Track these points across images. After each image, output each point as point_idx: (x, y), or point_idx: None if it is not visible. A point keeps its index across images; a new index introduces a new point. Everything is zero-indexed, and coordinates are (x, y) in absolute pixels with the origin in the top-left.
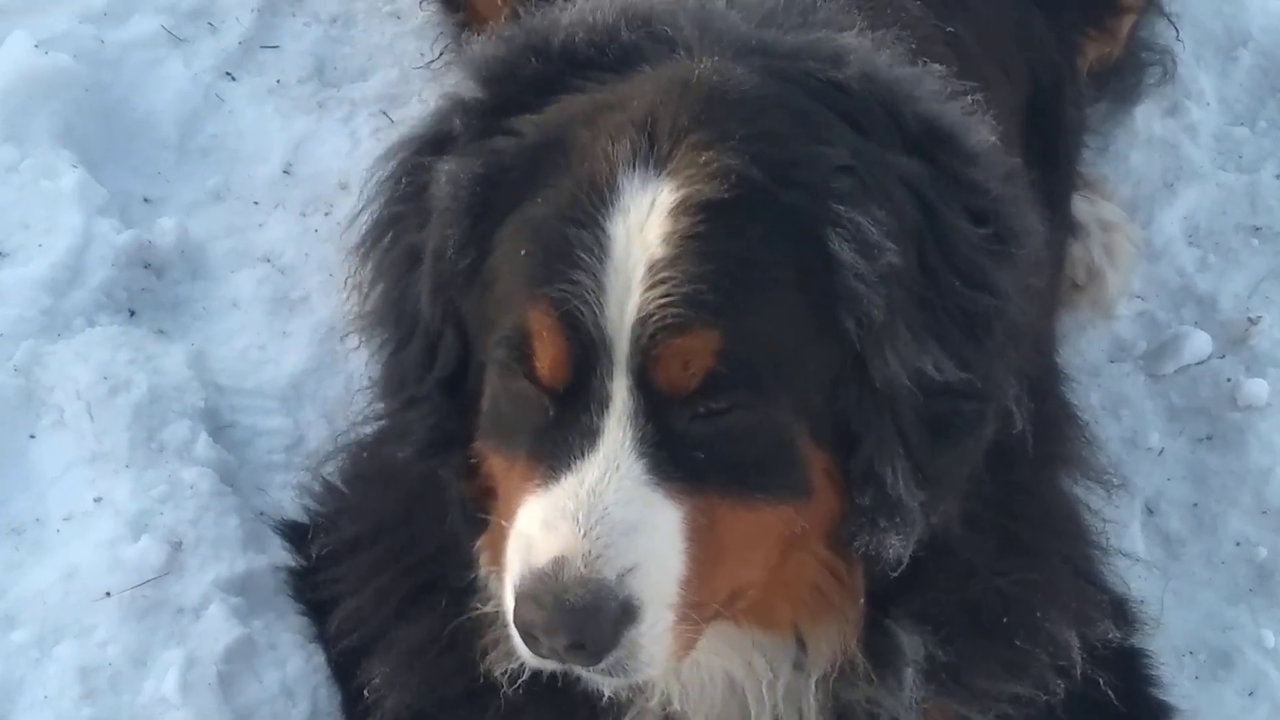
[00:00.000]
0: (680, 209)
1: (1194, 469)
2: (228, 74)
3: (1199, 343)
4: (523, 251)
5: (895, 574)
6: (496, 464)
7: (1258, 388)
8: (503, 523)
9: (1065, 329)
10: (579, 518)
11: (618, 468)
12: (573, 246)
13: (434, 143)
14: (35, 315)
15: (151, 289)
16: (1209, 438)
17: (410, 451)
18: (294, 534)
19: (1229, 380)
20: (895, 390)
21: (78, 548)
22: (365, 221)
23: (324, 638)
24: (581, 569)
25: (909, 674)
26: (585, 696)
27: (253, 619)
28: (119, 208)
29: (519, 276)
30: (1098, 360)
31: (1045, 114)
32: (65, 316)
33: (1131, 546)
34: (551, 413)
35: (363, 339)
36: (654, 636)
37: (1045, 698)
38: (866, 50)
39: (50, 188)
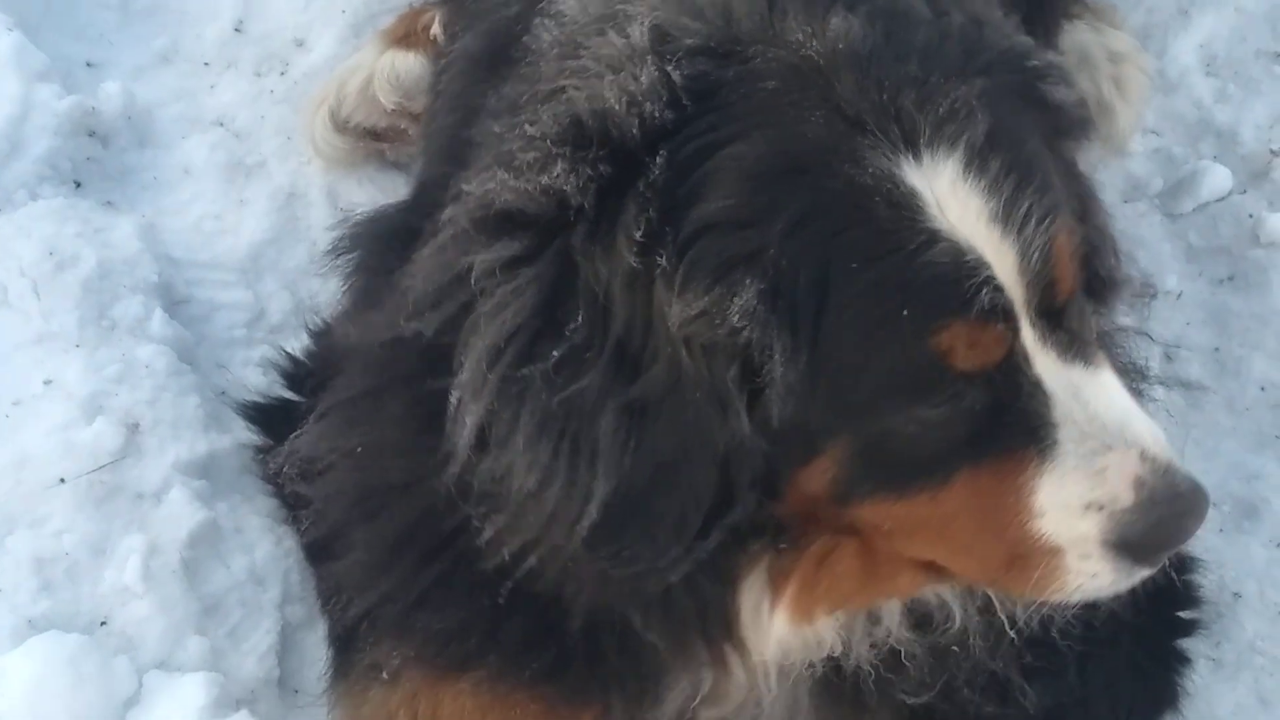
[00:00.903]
0: (974, 161)
1: (1215, 312)
2: None
3: (1218, 178)
4: (901, 309)
5: None
6: (897, 509)
7: None
8: (856, 564)
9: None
10: (1118, 438)
11: (1080, 388)
12: (940, 266)
13: (550, 305)
14: None
15: (97, 158)
16: (1230, 278)
17: (679, 573)
18: (259, 413)
19: (1251, 217)
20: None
21: (28, 433)
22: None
23: (293, 517)
24: (1165, 456)
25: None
26: None
27: (217, 502)
28: (60, 73)
29: (900, 329)
30: (1111, 200)
31: None
32: (5, 190)
33: (1149, 395)
34: (983, 414)
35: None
36: None
37: None
38: None
39: None
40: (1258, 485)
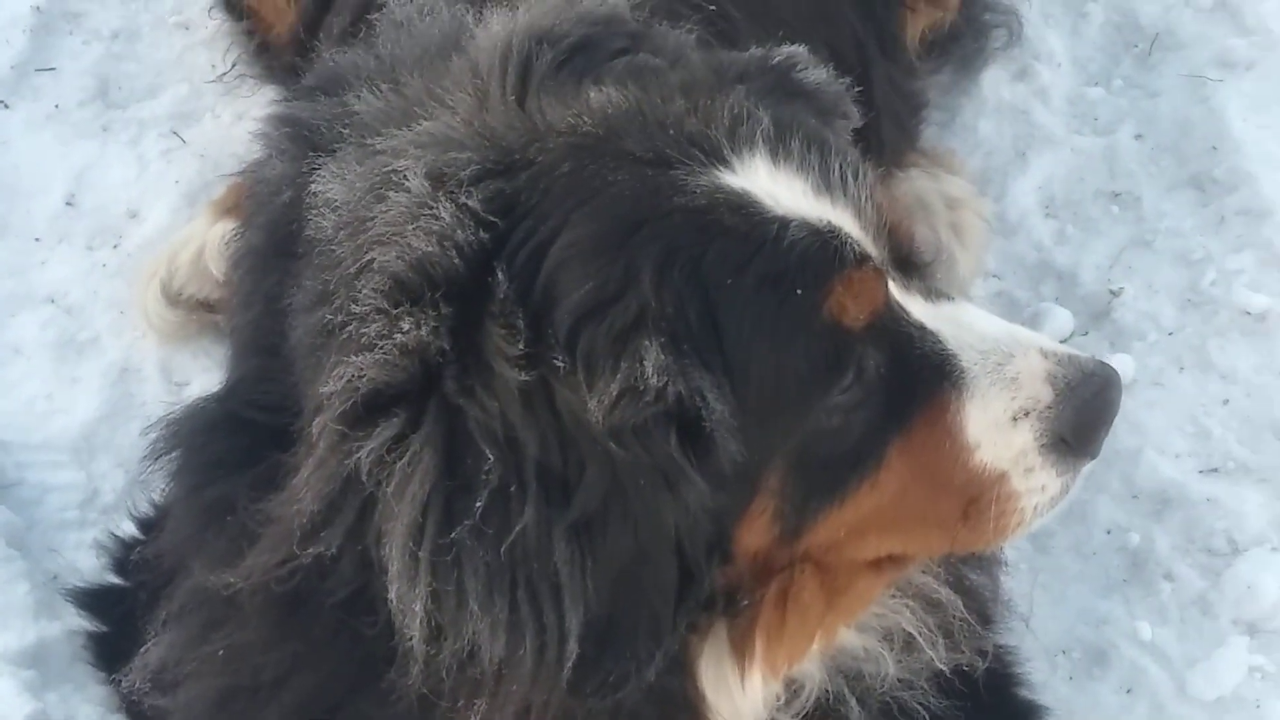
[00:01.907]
0: (773, 153)
1: None
2: (0, 102)
3: (1060, 320)
4: (798, 292)
5: None
6: (850, 509)
7: (1123, 364)
8: (817, 592)
9: None
10: (1011, 347)
11: (955, 317)
12: (798, 244)
13: (450, 462)
14: None
15: None
16: None
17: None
18: (90, 599)
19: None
20: None
21: None
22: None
23: (128, 703)
24: (1057, 345)
25: None
26: None
27: (47, 692)
28: None
29: (789, 316)
30: None
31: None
32: None
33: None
34: (885, 376)
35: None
36: None
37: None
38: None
39: None
40: (1106, 630)
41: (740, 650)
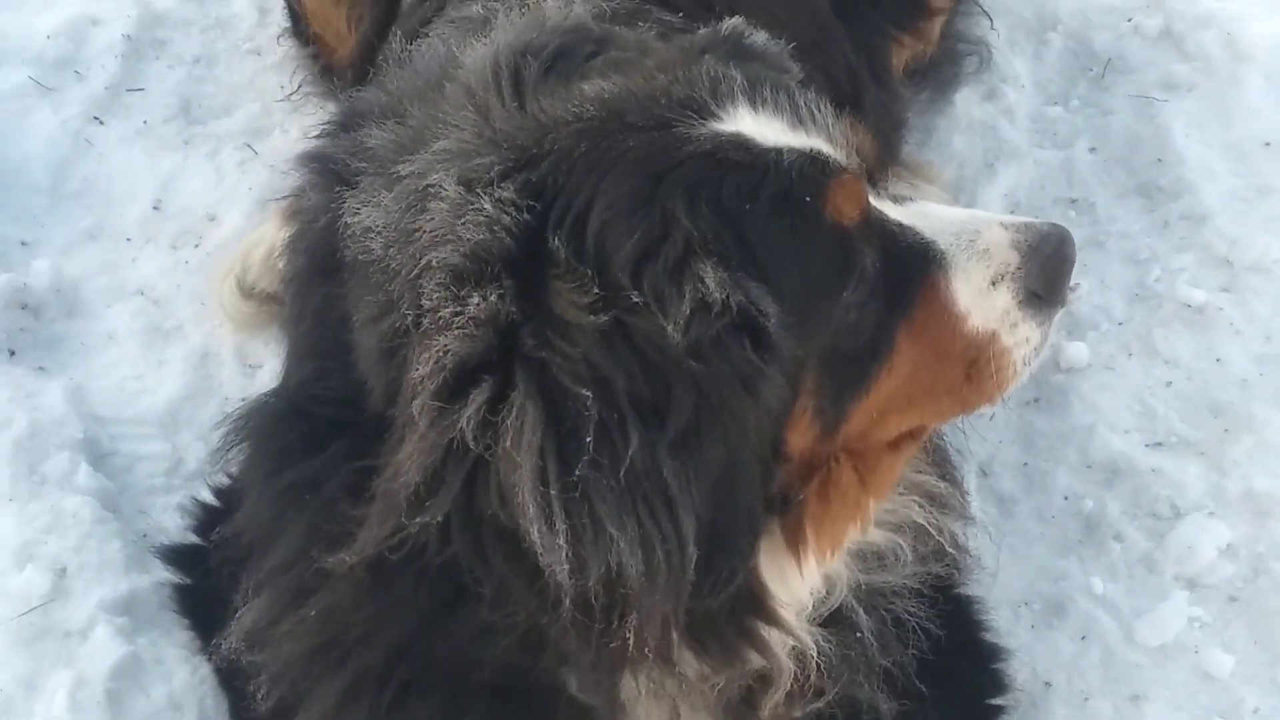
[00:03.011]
0: (750, 102)
1: (1023, 431)
2: (96, 118)
3: None
4: (806, 199)
5: None
6: (875, 397)
7: (1078, 350)
8: (853, 478)
9: None
10: (973, 227)
11: (924, 212)
12: (794, 165)
13: (558, 415)
14: None
15: (29, 328)
16: (1035, 400)
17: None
18: (176, 555)
19: (1051, 346)
20: None
21: None
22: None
23: (209, 648)
24: (1009, 217)
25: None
26: None
27: (138, 637)
28: None
29: (805, 219)
30: None
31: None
32: None
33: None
34: (881, 270)
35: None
36: None
37: None
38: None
39: None
40: (1064, 585)
41: (794, 542)
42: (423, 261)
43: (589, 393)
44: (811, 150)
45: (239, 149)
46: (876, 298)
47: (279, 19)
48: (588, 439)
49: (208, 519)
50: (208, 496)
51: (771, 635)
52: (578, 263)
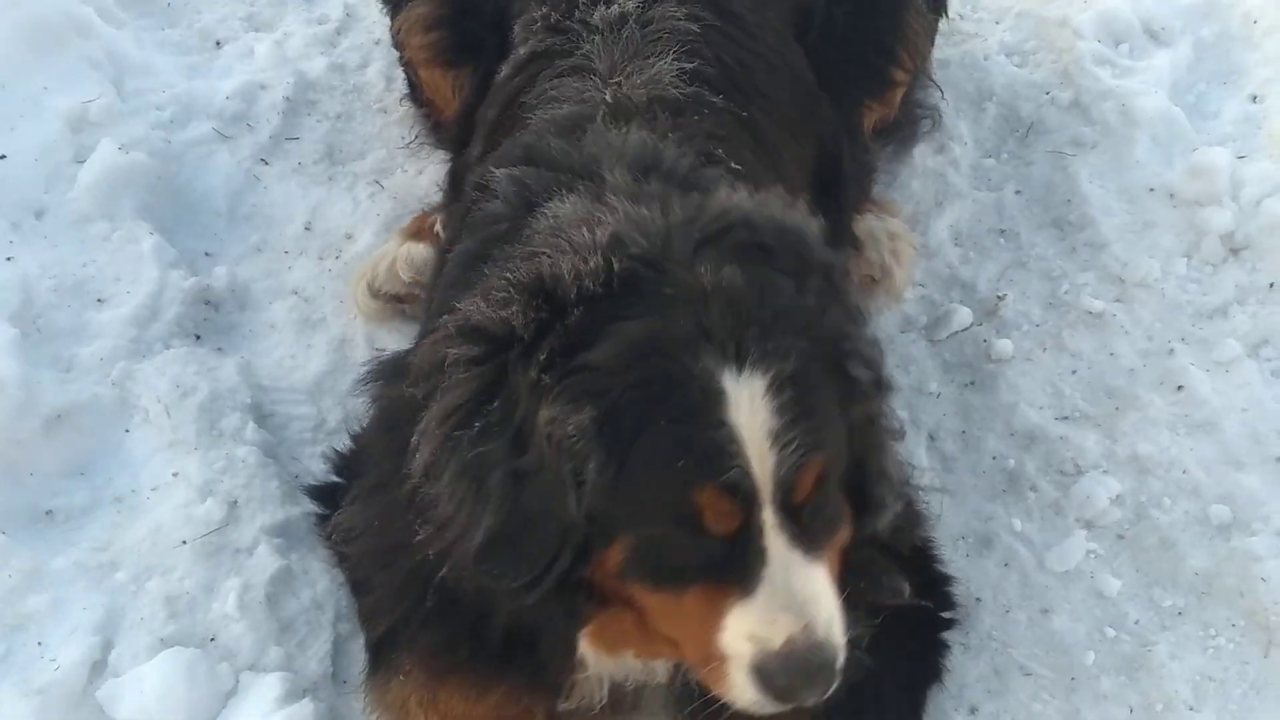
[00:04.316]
0: (769, 389)
1: (962, 406)
2: (262, 160)
3: (963, 315)
4: (679, 462)
5: None
6: (651, 598)
7: (1005, 346)
8: (632, 627)
9: (868, 311)
10: (794, 608)
11: (789, 565)
12: (717, 444)
13: (484, 393)
14: (126, 343)
15: (211, 319)
16: (972, 383)
17: (532, 599)
18: (319, 492)
19: (984, 341)
20: (883, 466)
21: (161, 509)
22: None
23: (342, 564)
24: (819, 636)
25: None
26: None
27: (290, 554)
28: (185, 261)
29: (677, 475)
30: (892, 332)
31: (830, 166)
32: (148, 342)
33: (919, 464)
34: (720, 554)
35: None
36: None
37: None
38: (758, 206)
39: (134, 250)
40: (991, 524)
41: (592, 632)
42: (540, 252)
43: (500, 405)
44: (735, 452)
45: (370, 184)
46: (701, 557)
47: (401, 86)
48: (477, 424)
49: (343, 464)
50: (343, 447)
51: (578, 665)
52: (567, 337)
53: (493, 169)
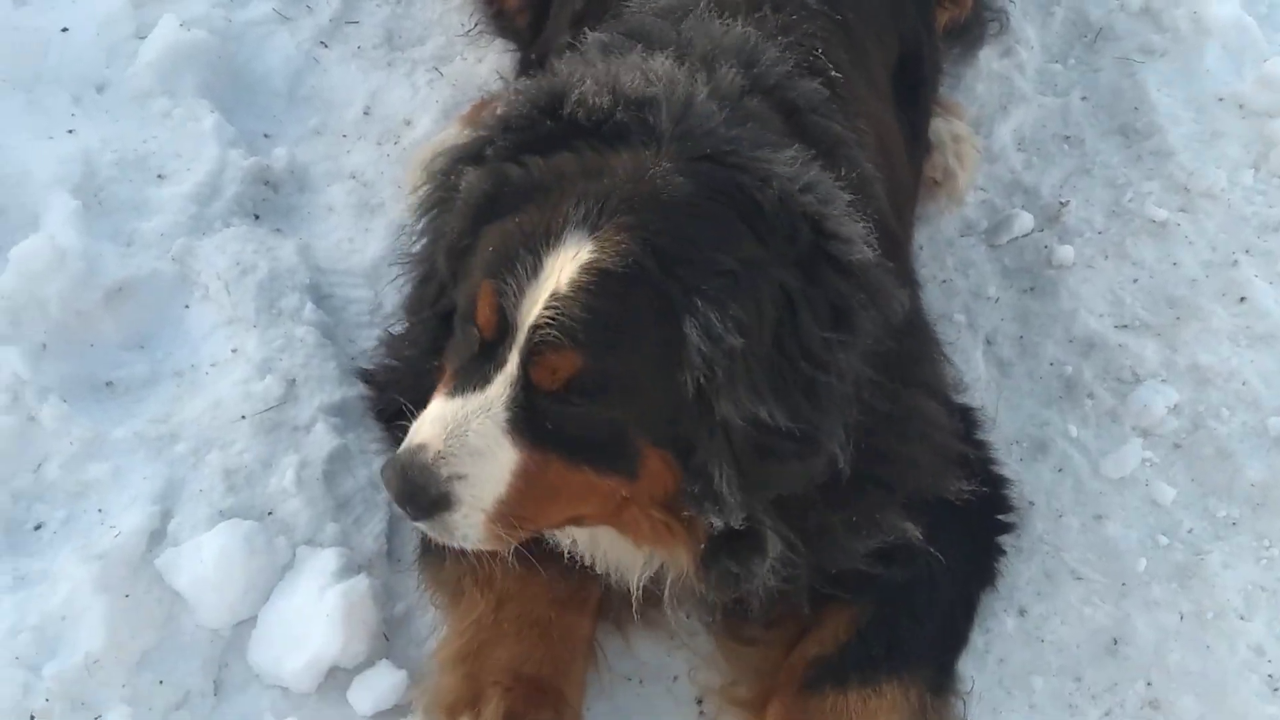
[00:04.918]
0: (587, 267)
1: (1020, 312)
2: (322, 42)
3: (1025, 221)
4: (491, 249)
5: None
6: (445, 369)
7: (1066, 252)
8: None
9: (929, 214)
10: (447, 428)
11: (489, 409)
12: (516, 260)
13: (469, 157)
14: (186, 220)
15: (270, 199)
16: (1031, 289)
17: (414, 353)
18: (370, 375)
19: (1045, 247)
20: (730, 424)
21: (221, 385)
22: (421, 201)
23: (396, 445)
24: (428, 460)
25: (771, 551)
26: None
27: (347, 433)
28: (245, 141)
29: (484, 263)
30: (952, 236)
31: (910, 69)
32: (208, 220)
33: (975, 369)
34: (474, 351)
35: (405, 271)
36: (466, 524)
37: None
38: (792, 174)
39: (195, 127)
40: (1046, 430)
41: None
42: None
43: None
44: (520, 286)
45: (429, 71)
46: (467, 337)
47: None
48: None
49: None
50: (397, 330)
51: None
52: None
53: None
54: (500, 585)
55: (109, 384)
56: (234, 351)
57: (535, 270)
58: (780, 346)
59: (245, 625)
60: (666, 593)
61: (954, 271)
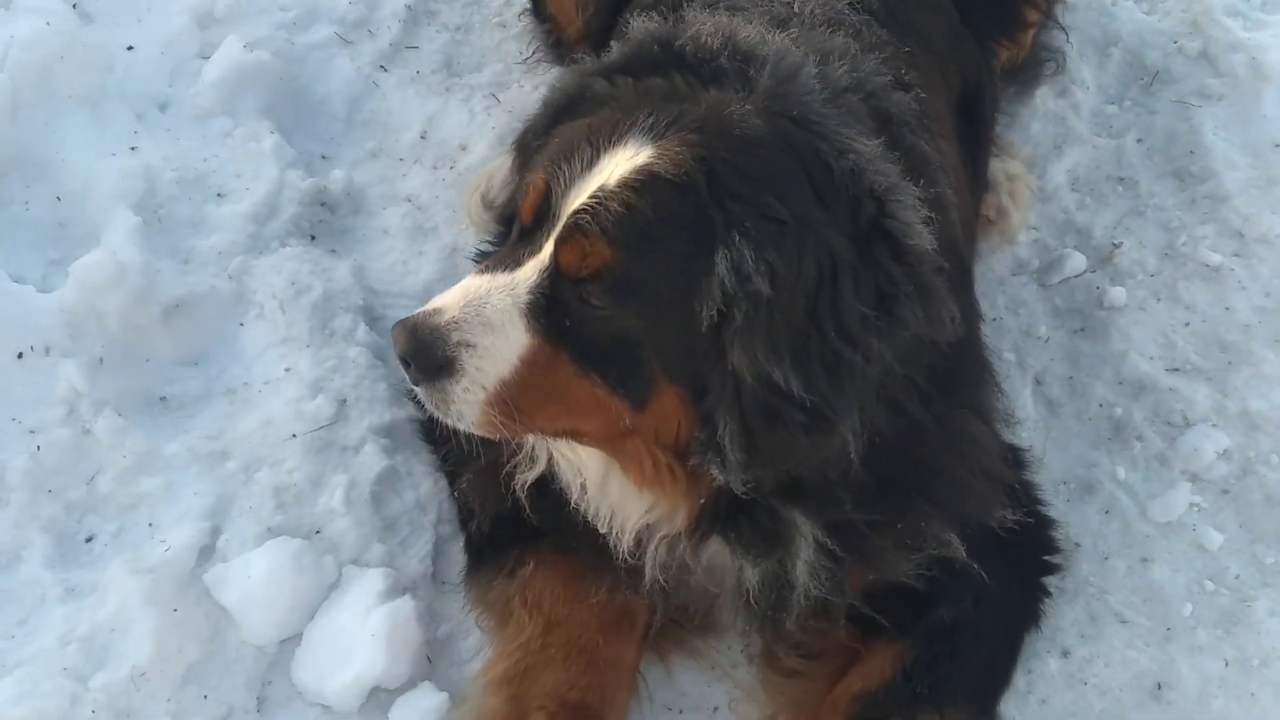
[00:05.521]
0: (640, 169)
1: (1070, 352)
2: (381, 67)
3: (1077, 261)
4: (556, 143)
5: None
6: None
7: (1118, 294)
8: None
9: (981, 252)
10: (467, 298)
11: (512, 288)
12: (575, 153)
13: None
14: (243, 239)
15: (326, 220)
16: (1082, 330)
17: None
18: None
19: (1097, 288)
20: (740, 376)
21: (273, 403)
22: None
23: (443, 467)
24: (440, 322)
25: (803, 548)
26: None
27: (396, 454)
28: (304, 162)
29: (546, 157)
30: (1004, 274)
31: (973, 106)
32: (265, 239)
33: (1023, 409)
34: (515, 238)
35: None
36: (465, 398)
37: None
38: (868, 154)
39: (255, 148)
40: (1094, 471)
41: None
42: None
43: None
44: (572, 172)
45: (486, 97)
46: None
47: (519, 1)
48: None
49: None
50: None
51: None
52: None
53: None
54: (549, 608)
55: (163, 399)
56: (286, 370)
57: (590, 164)
58: (813, 312)
59: (290, 643)
60: (699, 564)
61: (1005, 310)
